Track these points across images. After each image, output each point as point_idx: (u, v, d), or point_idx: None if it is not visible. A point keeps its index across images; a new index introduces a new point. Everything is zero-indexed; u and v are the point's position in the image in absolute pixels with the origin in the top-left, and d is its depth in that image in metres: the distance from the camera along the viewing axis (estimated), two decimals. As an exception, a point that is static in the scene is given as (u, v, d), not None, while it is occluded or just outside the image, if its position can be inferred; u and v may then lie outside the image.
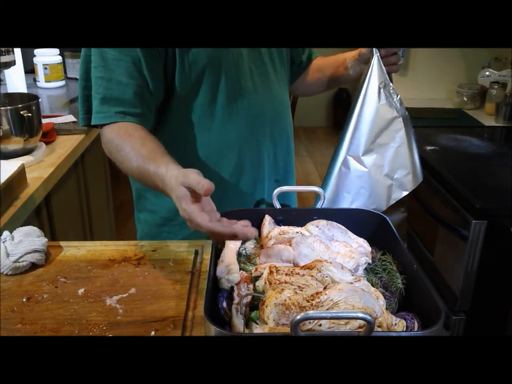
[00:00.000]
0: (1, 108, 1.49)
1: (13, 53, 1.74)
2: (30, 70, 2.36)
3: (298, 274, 0.81)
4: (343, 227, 0.97)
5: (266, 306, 0.74)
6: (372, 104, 1.13)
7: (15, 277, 0.98)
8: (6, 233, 1.02)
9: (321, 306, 0.72)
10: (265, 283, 0.81)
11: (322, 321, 0.70)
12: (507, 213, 1.59)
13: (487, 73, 2.74)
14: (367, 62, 1.16)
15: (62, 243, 1.10)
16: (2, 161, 1.38)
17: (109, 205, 2.40)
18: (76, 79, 2.41)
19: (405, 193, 1.19)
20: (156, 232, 1.22)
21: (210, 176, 1.10)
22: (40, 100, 1.65)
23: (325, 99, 5.21)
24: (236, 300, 0.79)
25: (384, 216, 1.00)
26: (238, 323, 0.76)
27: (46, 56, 2.37)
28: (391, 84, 1.15)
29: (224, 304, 0.79)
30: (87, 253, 1.06)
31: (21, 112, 1.51)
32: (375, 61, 1.12)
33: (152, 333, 0.83)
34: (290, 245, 0.91)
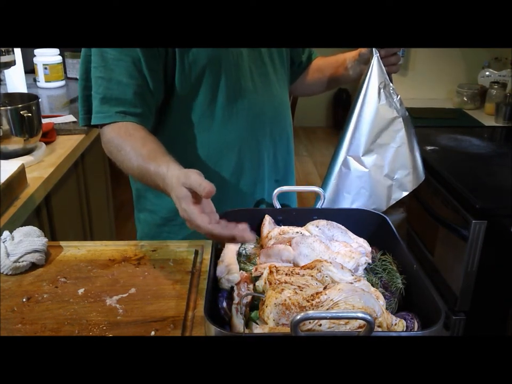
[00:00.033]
0: (1, 108, 1.49)
1: (13, 53, 1.74)
2: (30, 70, 2.36)
3: (298, 274, 0.81)
4: (343, 227, 0.97)
5: (266, 306, 0.74)
6: (371, 104, 1.13)
7: (15, 277, 0.98)
8: (6, 233, 1.02)
9: (321, 306, 0.72)
10: (265, 283, 0.81)
11: (322, 321, 0.70)
12: (507, 213, 1.59)
13: (487, 73, 2.74)
14: (367, 62, 1.16)
15: (62, 243, 1.10)
16: (2, 161, 1.38)
17: (109, 205, 2.40)
18: (76, 79, 2.41)
19: (405, 193, 1.19)
20: (156, 232, 1.22)
21: (210, 176, 1.10)
22: (40, 99, 1.65)
23: (325, 99, 5.21)
24: (236, 299, 0.79)
25: (384, 216, 1.00)
26: (238, 323, 0.76)
27: (46, 56, 2.37)
28: (391, 84, 1.15)
29: (224, 304, 0.79)
30: (87, 253, 1.06)
31: (21, 112, 1.51)
32: (374, 61, 1.12)
33: (152, 333, 0.83)
34: (290, 245, 0.91)
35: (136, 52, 0.99)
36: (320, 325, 0.70)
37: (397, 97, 1.15)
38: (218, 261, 0.87)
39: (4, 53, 1.68)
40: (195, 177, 0.76)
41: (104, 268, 1.01)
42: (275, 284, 0.79)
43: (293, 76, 1.34)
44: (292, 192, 1.33)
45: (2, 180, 1.26)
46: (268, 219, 1.00)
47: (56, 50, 2.41)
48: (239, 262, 0.90)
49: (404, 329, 0.75)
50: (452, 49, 2.75)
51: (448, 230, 1.75)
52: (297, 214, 1.03)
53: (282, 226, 0.97)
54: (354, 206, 1.17)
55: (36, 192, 1.40)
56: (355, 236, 0.97)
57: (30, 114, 1.52)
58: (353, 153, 1.15)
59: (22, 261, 0.98)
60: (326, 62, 1.34)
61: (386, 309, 0.78)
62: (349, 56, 1.24)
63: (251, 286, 0.83)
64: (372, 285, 0.83)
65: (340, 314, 0.67)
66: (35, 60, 2.38)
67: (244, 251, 0.95)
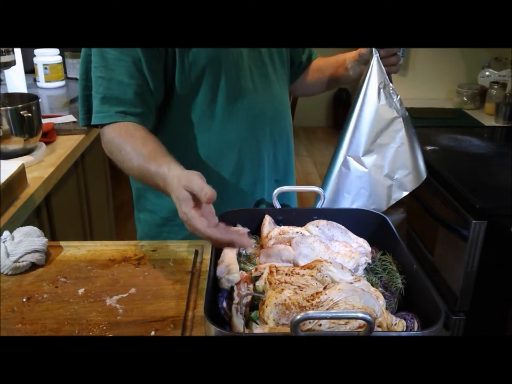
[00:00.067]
0: (1, 108, 1.49)
1: (13, 53, 1.74)
2: (30, 70, 2.36)
3: (298, 274, 0.81)
4: (343, 227, 0.97)
5: (266, 306, 0.74)
6: (371, 104, 1.13)
7: (15, 277, 0.98)
8: (6, 233, 1.02)
9: (321, 306, 0.72)
10: (265, 283, 0.81)
11: (322, 321, 0.70)
12: (507, 213, 1.59)
13: (487, 73, 2.74)
14: (366, 62, 1.16)
15: (62, 243, 1.10)
16: (2, 161, 1.38)
17: (109, 205, 2.40)
18: (76, 79, 2.41)
19: (405, 193, 1.19)
20: (156, 232, 1.22)
21: (210, 176, 1.10)
22: (40, 100, 1.65)
23: (325, 99, 5.21)
24: (236, 299, 0.79)
25: (384, 216, 1.00)
26: (238, 323, 0.76)
27: (46, 56, 2.37)
28: (390, 84, 1.15)
29: (224, 304, 0.79)
30: (87, 253, 1.06)
31: (21, 112, 1.51)
32: (374, 62, 1.12)
33: (152, 333, 0.83)
34: (290, 245, 0.91)
35: (136, 51, 0.99)
36: (320, 325, 0.70)
37: (397, 97, 1.15)
38: (218, 261, 0.87)
39: (4, 53, 1.68)
40: (197, 181, 0.76)
41: (104, 268, 1.01)
42: (275, 284, 0.79)
43: (293, 76, 1.34)
44: (292, 192, 1.33)
45: (2, 180, 1.26)
46: (267, 219, 1.00)
47: (56, 50, 2.41)
48: (239, 262, 0.90)
49: (404, 329, 0.75)
50: (452, 49, 2.75)
51: (448, 230, 1.75)
52: (297, 214, 1.03)
53: (282, 226, 0.97)
54: (354, 206, 1.17)
55: (36, 192, 1.40)
56: (355, 236, 0.97)
57: (30, 114, 1.52)
58: (353, 153, 1.15)
59: (22, 261, 0.98)
60: (326, 62, 1.34)
61: (386, 309, 0.78)
62: (349, 56, 1.24)
63: (251, 286, 0.83)
64: (372, 285, 0.83)
65: (340, 314, 0.67)
66: (35, 60, 2.38)
67: (244, 251, 0.95)
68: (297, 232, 0.94)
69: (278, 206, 1.04)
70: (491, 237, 1.61)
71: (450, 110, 2.68)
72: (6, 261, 0.97)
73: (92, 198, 2.06)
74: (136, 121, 1.01)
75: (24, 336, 0.81)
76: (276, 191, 1.04)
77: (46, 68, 2.37)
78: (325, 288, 0.75)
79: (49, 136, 1.74)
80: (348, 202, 1.18)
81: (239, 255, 0.94)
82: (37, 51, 2.38)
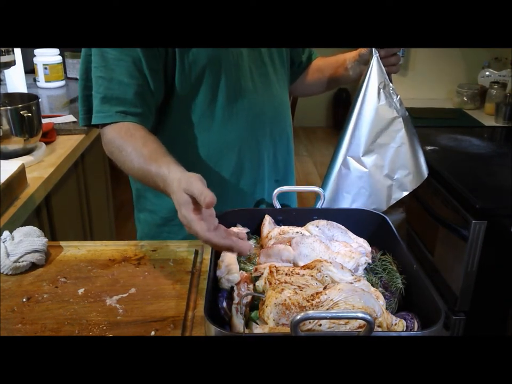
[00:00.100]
0: (1, 108, 1.49)
1: (13, 53, 1.74)
2: (30, 70, 2.36)
3: (298, 274, 0.81)
4: (343, 227, 0.97)
5: (266, 306, 0.74)
6: (371, 104, 1.13)
7: (15, 277, 0.98)
8: (6, 233, 1.02)
9: (321, 306, 0.72)
10: (265, 283, 0.81)
11: (322, 321, 0.69)
12: (507, 213, 1.59)
13: (487, 73, 2.74)
14: (366, 62, 1.16)
15: (62, 243, 1.10)
16: (2, 161, 1.38)
17: (109, 205, 2.40)
18: (76, 79, 2.41)
19: (405, 193, 1.19)
20: (156, 232, 1.22)
21: (210, 176, 1.11)
22: (40, 99, 1.65)
23: (325, 99, 5.22)
24: (236, 299, 0.79)
25: (384, 216, 1.00)
26: (238, 323, 0.76)
27: (46, 56, 2.37)
28: (390, 84, 1.15)
29: (224, 304, 0.79)
30: (87, 253, 1.06)
31: (21, 112, 1.51)
32: (374, 62, 1.12)
33: (152, 333, 0.83)
34: (290, 245, 0.91)
35: (136, 51, 0.99)
36: (320, 325, 0.70)
37: (397, 97, 1.15)
38: (218, 261, 0.87)
39: (4, 53, 1.68)
40: (197, 185, 0.76)
41: (104, 268, 1.01)
42: (275, 284, 0.79)
43: (293, 76, 1.34)
44: (292, 192, 1.33)
45: (2, 180, 1.26)
46: (267, 219, 1.00)
47: (56, 50, 2.41)
48: (239, 262, 0.90)
49: (404, 329, 0.75)
50: (452, 49, 2.75)
51: (448, 230, 1.75)
52: (297, 214, 1.03)
53: (282, 226, 0.97)
54: (354, 206, 1.17)
55: (36, 192, 1.40)
56: (355, 236, 0.97)
57: (30, 114, 1.52)
58: (353, 153, 1.15)
59: (22, 261, 0.98)
60: (326, 62, 1.34)
61: (386, 309, 0.78)
62: (349, 56, 1.24)
63: (251, 286, 0.83)
64: (372, 285, 0.83)
65: (340, 314, 0.67)
66: (35, 60, 2.38)
67: (244, 251, 0.95)
68: (297, 232, 0.94)
69: (278, 206, 1.04)
70: (491, 237, 1.61)
71: (450, 110, 2.68)
72: (6, 261, 0.97)
73: (91, 198, 2.06)
74: (136, 121, 1.01)
75: (24, 336, 0.81)
76: (276, 191, 1.04)
77: (46, 68, 2.37)
78: (325, 288, 0.75)
79: (49, 136, 1.74)
80: (347, 202, 1.18)
81: (239, 255, 0.93)
82: (37, 51, 2.38)
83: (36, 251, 1.00)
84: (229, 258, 0.88)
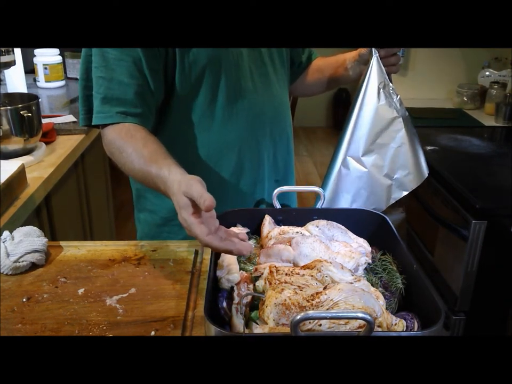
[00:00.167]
0: (1, 108, 1.49)
1: (13, 53, 1.74)
2: (30, 70, 2.36)
3: (298, 274, 0.81)
4: (343, 227, 0.97)
5: (266, 306, 0.74)
6: (371, 104, 1.13)
7: (15, 277, 0.98)
8: (6, 233, 1.02)
9: (321, 306, 0.72)
10: (265, 283, 0.81)
11: (322, 321, 0.69)
12: (507, 213, 1.59)
13: (487, 73, 2.74)
14: (366, 62, 1.16)
15: (62, 243, 1.10)
16: (2, 161, 1.38)
17: (109, 205, 2.40)
18: (76, 79, 2.42)
19: (405, 193, 1.19)
20: (156, 232, 1.22)
21: (210, 176, 1.11)
22: (40, 99, 1.65)
23: (325, 99, 5.22)
24: (236, 299, 0.79)
25: (384, 216, 1.00)
26: (238, 323, 0.76)
27: (46, 56, 2.37)
28: (390, 84, 1.15)
29: (224, 304, 0.79)
30: (87, 253, 1.06)
31: (21, 112, 1.51)
32: (374, 61, 1.12)
33: (152, 333, 0.83)
34: (290, 245, 0.91)
35: (136, 51, 0.99)
36: (320, 325, 0.70)
37: (397, 97, 1.15)
38: (219, 261, 0.87)
39: (4, 53, 1.68)
40: (196, 188, 0.76)
41: (104, 268, 1.01)
42: (275, 284, 0.79)
43: (293, 76, 1.34)
44: (292, 192, 1.33)
45: (2, 180, 1.26)
46: (267, 219, 1.00)
47: (56, 50, 2.41)
48: (239, 262, 0.90)
49: (404, 329, 0.75)
50: (452, 49, 2.75)
51: (448, 230, 1.75)
52: (297, 214, 1.03)
53: (282, 226, 0.97)
54: (354, 206, 1.17)
55: (36, 192, 1.40)
56: (355, 236, 0.97)
57: (30, 114, 1.52)
58: (353, 153, 1.15)
59: (22, 261, 0.98)
60: (325, 63, 1.34)
61: (386, 309, 0.78)
62: (349, 56, 1.24)
63: (251, 286, 0.83)
64: (372, 285, 0.83)
65: (340, 314, 0.67)
66: (35, 60, 2.38)
67: (244, 251, 0.95)
68: (297, 232, 0.94)
69: (278, 206, 1.04)
70: (491, 237, 1.61)
71: (450, 110, 2.68)
72: (6, 261, 0.97)
73: (92, 198, 2.06)
74: (136, 122, 1.01)
75: (24, 336, 0.81)
76: (276, 191, 1.04)
77: (46, 68, 2.37)
78: (325, 288, 0.75)
79: (49, 136, 1.74)
80: (347, 202, 1.18)
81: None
82: (37, 51, 2.38)
83: (36, 251, 1.00)
84: (229, 258, 0.88)
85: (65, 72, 2.49)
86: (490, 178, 1.83)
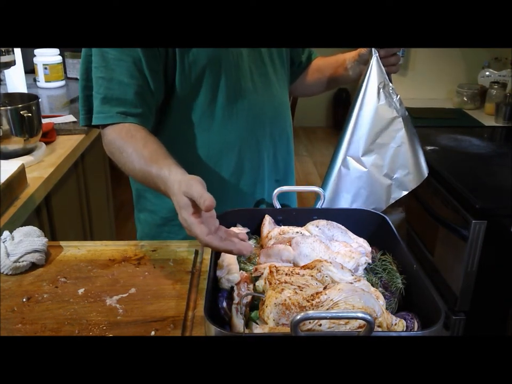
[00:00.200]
0: (1, 108, 1.49)
1: (13, 53, 1.75)
2: (30, 70, 2.36)
3: (298, 274, 0.81)
4: (343, 227, 0.97)
5: (266, 306, 0.74)
6: (371, 104, 1.13)
7: (15, 277, 0.98)
8: (6, 233, 1.02)
9: (321, 306, 0.72)
10: (265, 283, 0.81)
11: (322, 321, 0.70)
12: (507, 213, 1.59)
13: (487, 73, 2.74)
14: (366, 62, 1.16)
15: (62, 243, 1.10)
16: (2, 161, 1.38)
17: (109, 205, 2.40)
18: (76, 79, 2.42)
19: (405, 192, 1.19)
20: (156, 232, 1.22)
21: (210, 176, 1.11)
22: (40, 99, 1.65)
23: (325, 99, 5.22)
24: (236, 299, 0.79)
25: (384, 216, 1.00)
26: (238, 323, 0.76)
27: (46, 56, 2.37)
28: (390, 84, 1.15)
29: (224, 304, 0.79)
30: (87, 253, 1.06)
31: (21, 112, 1.51)
32: (374, 61, 1.12)
33: (152, 333, 0.83)
34: (290, 245, 0.91)
35: (136, 51, 0.99)
36: (320, 325, 0.70)
37: (397, 97, 1.15)
38: (219, 261, 0.87)
39: (4, 53, 1.69)
40: (197, 188, 0.76)
41: (104, 268, 1.01)
42: (275, 284, 0.79)
43: (293, 76, 1.34)
44: (292, 192, 1.33)
45: (2, 180, 1.26)
46: (267, 219, 1.00)
47: (56, 50, 2.41)
48: (239, 262, 0.90)
49: (404, 329, 0.75)
50: (452, 49, 2.75)
51: (448, 230, 1.75)
52: (297, 214, 1.03)
53: (282, 226, 0.97)
54: (354, 206, 1.17)
55: (36, 192, 1.40)
56: (355, 236, 0.97)
57: (30, 114, 1.52)
58: (353, 153, 1.15)
59: (22, 261, 0.98)
60: (325, 62, 1.34)
61: (386, 309, 0.78)
62: (349, 56, 1.24)
63: (251, 286, 0.83)
64: (372, 285, 0.83)
65: (340, 314, 0.67)
66: (35, 60, 2.38)
67: (244, 251, 0.95)
68: (297, 232, 0.94)
69: (278, 206, 1.04)
70: (491, 237, 1.61)
71: (450, 110, 2.68)
72: (6, 261, 0.97)
73: (92, 198, 2.06)
74: (136, 122, 1.01)
75: (24, 336, 0.81)
76: (276, 191, 1.04)
77: (46, 68, 2.37)
78: (325, 288, 0.75)
79: (49, 136, 1.74)
80: (347, 202, 1.18)
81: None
82: (37, 51, 2.38)
83: (36, 251, 1.00)
84: (229, 258, 0.88)
85: (65, 72, 2.49)
86: (490, 178, 1.83)
